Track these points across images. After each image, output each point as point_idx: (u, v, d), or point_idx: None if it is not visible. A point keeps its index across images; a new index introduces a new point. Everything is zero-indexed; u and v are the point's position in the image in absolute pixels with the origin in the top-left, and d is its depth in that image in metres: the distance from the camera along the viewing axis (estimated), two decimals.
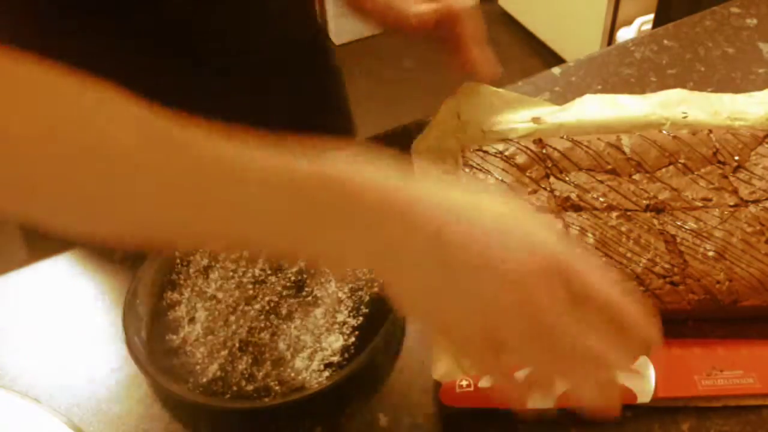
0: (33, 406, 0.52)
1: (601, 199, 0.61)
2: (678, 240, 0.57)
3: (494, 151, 0.65)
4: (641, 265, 0.56)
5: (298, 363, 0.54)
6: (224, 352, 0.55)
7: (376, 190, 0.38)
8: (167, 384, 0.52)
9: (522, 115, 0.71)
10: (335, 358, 0.54)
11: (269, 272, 0.61)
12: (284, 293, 0.59)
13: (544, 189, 0.62)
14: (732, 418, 0.51)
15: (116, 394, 0.54)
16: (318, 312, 0.58)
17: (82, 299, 0.61)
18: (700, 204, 0.60)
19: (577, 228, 0.58)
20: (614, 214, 0.60)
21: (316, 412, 0.52)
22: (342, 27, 2.27)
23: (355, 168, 0.38)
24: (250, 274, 0.61)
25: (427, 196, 0.39)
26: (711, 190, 0.61)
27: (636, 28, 2.08)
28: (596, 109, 0.71)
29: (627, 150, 0.64)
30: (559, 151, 0.64)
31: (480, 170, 0.63)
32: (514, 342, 0.39)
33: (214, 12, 0.67)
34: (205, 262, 0.62)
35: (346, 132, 0.90)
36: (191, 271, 0.61)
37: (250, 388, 0.53)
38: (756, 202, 0.60)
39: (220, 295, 0.59)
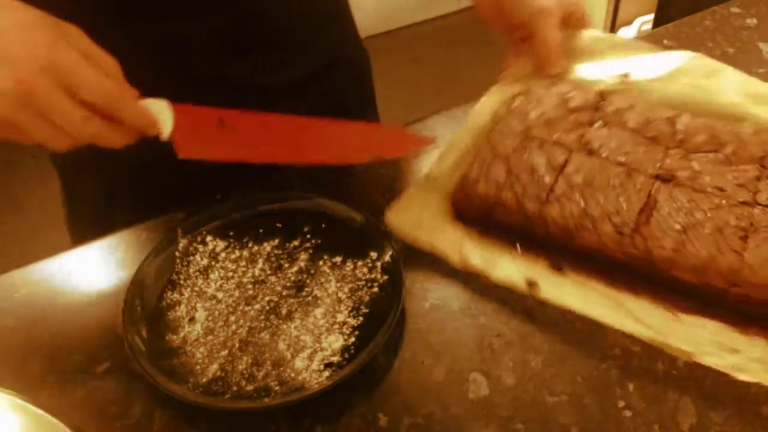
0: (33, 407, 0.52)
1: (620, 157, 0.62)
2: (657, 207, 0.58)
3: (557, 89, 0.68)
4: (604, 208, 0.58)
5: (298, 363, 0.54)
6: (224, 352, 0.55)
7: None
8: (167, 384, 0.52)
9: (615, 66, 0.73)
10: (335, 358, 0.54)
11: (269, 272, 0.61)
12: (284, 293, 0.59)
13: (578, 134, 0.65)
14: (732, 418, 0.51)
15: (116, 394, 0.54)
16: (318, 312, 0.58)
17: (82, 299, 0.61)
18: (710, 190, 0.59)
19: (575, 166, 0.61)
20: (619, 169, 0.61)
21: (316, 412, 0.52)
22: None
23: None
24: (250, 274, 0.61)
25: None
26: (733, 184, 0.60)
27: (636, 28, 2.08)
28: (688, 80, 0.71)
29: (680, 126, 0.64)
30: (615, 109, 0.66)
31: (531, 100, 0.67)
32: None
33: None
34: (205, 262, 0.62)
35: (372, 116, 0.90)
36: (191, 271, 0.61)
37: (250, 388, 0.53)
38: (766, 207, 0.58)
39: (220, 295, 0.59)
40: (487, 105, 0.72)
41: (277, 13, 0.70)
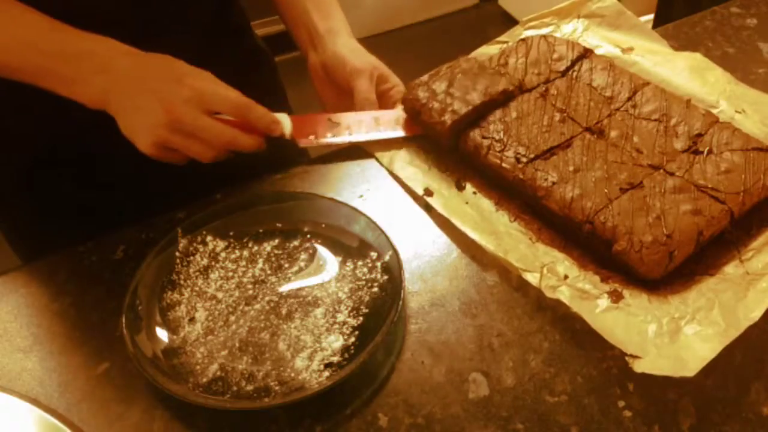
0: (32, 407, 0.52)
1: (565, 106, 0.68)
2: (568, 150, 0.64)
3: (550, 40, 0.76)
4: (519, 138, 0.65)
5: (298, 363, 0.54)
6: (224, 352, 0.55)
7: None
8: (167, 384, 0.52)
9: (623, 39, 0.80)
10: (335, 358, 0.54)
11: (269, 272, 0.61)
12: (284, 293, 0.59)
13: (545, 78, 0.71)
14: (732, 417, 0.51)
15: (116, 394, 0.54)
16: (318, 312, 0.58)
17: (82, 299, 0.61)
18: (628, 148, 0.64)
19: (519, 102, 0.69)
20: (558, 114, 0.67)
21: (316, 412, 0.52)
22: None
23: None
24: (250, 274, 0.61)
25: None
26: (655, 151, 0.63)
27: None
28: (680, 71, 0.75)
29: (638, 94, 0.69)
30: (590, 66, 0.72)
31: (522, 44, 0.76)
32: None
33: None
34: (205, 262, 0.62)
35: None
36: (191, 271, 0.61)
37: (250, 388, 0.53)
38: (669, 173, 0.61)
39: (220, 295, 0.59)
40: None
41: None
